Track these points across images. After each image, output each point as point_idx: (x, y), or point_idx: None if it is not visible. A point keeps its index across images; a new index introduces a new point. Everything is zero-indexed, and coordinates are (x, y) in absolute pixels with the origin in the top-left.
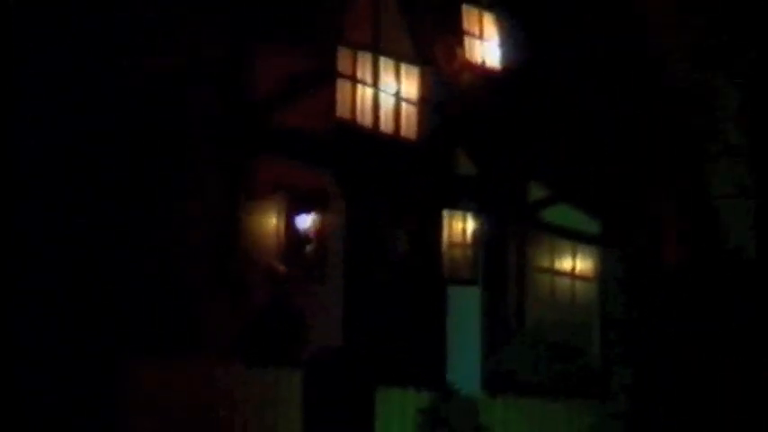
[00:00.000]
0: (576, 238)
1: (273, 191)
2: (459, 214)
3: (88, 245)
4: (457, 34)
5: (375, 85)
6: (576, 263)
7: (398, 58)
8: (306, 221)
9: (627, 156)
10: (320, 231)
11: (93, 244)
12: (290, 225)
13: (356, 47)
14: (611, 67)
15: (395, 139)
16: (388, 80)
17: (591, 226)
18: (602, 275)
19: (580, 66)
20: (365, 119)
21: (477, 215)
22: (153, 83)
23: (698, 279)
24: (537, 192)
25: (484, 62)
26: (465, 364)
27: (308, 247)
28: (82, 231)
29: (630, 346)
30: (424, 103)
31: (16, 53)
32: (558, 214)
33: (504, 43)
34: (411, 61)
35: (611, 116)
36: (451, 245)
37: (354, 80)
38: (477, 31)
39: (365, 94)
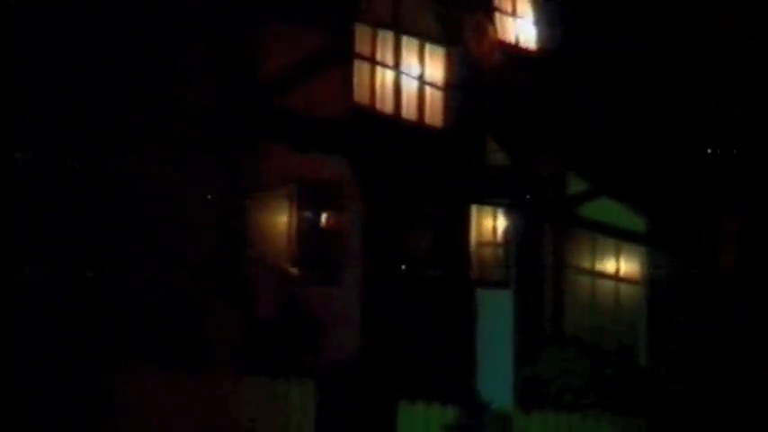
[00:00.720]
0: (620, 237)
1: (283, 183)
2: (489, 210)
3: (84, 251)
4: (487, 11)
5: (396, 67)
6: (620, 263)
7: (422, 37)
8: (319, 218)
9: (691, 155)
10: (335, 228)
11: (88, 250)
12: (301, 222)
13: (376, 25)
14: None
15: (418, 126)
16: (410, 62)
17: (636, 223)
18: (650, 277)
19: (627, 43)
20: (385, 104)
21: (510, 211)
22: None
23: (755, 283)
24: (576, 185)
25: (517, 41)
26: (496, 375)
27: (322, 247)
28: (78, 236)
29: (683, 355)
30: (450, 86)
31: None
32: (600, 210)
33: (539, 20)
34: (436, 41)
35: (667, 102)
36: (481, 244)
37: (374, 62)
38: (509, 8)
39: (385, 76)
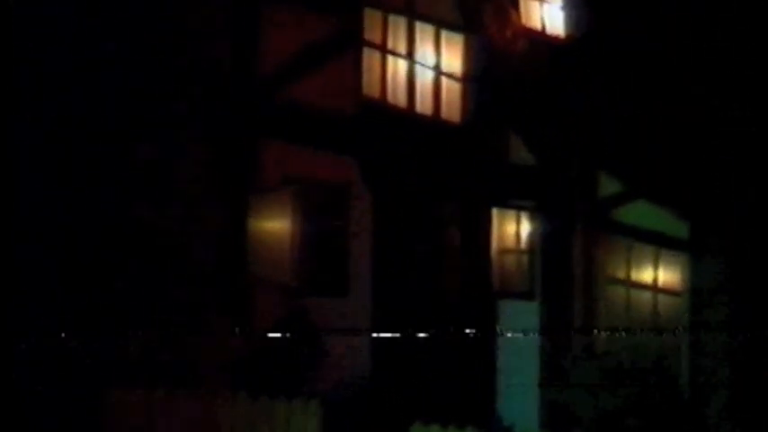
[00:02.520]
0: (659, 243)
1: (283, 184)
2: (512, 213)
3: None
4: None
5: (410, 56)
6: (659, 273)
7: (438, 23)
8: (324, 222)
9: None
10: (342, 234)
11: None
12: (304, 227)
13: (387, 9)
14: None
15: (433, 121)
16: (425, 50)
17: (678, 228)
18: (693, 288)
19: (666, 29)
20: (397, 97)
21: (535, 214)
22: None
23: None
24: (609, 186)
25: (543, 28)
26: (519, 396)
27: (328, 254)
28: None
29: (730, 375)
30: (469, 77)
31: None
32: (636, 213)
33: (568, 4)
34: (454, 27)
35: (715, 92)
36: (503, 250)
37: (384, 50)
38: None
39: (397, 67)
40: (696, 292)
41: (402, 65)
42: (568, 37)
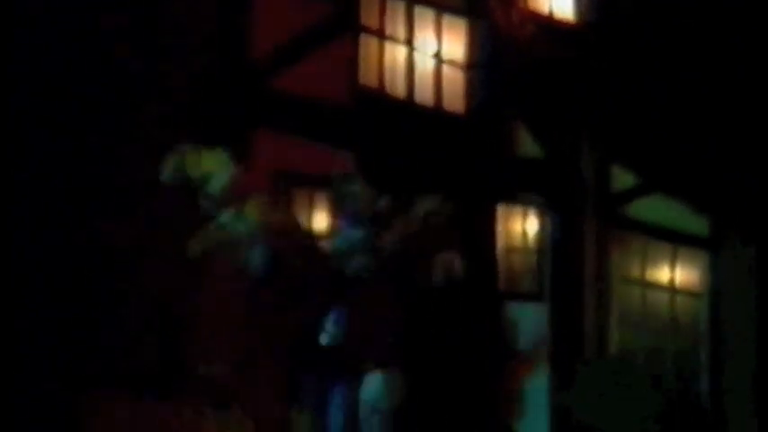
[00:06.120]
0: (677, 240)
1: (274, 180)
2: (518, 210)
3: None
4: None
5: (409, 42)
6: (676, 272)
7: (440, 7)
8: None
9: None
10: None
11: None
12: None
13: None
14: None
15: (435, 112)
16: (426, 36)
17: (697, 224)
18: (713, 289)
19: (683, 11)
20: (396, 86)
21: (543, 210)
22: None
23: None
24: (623, 179)
25: (551, 12)
26: (528, 402)
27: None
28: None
29: (753, 378)
30: (472, 65)
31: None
32: (652, 209)
33: None
34: (456, 11)
35: (734, 81)
36: (509, 249)
37: (382, 36)
38: None
39: (396, 54)
40: (716, 291)
41: (401, 52)
42: (578, 22)
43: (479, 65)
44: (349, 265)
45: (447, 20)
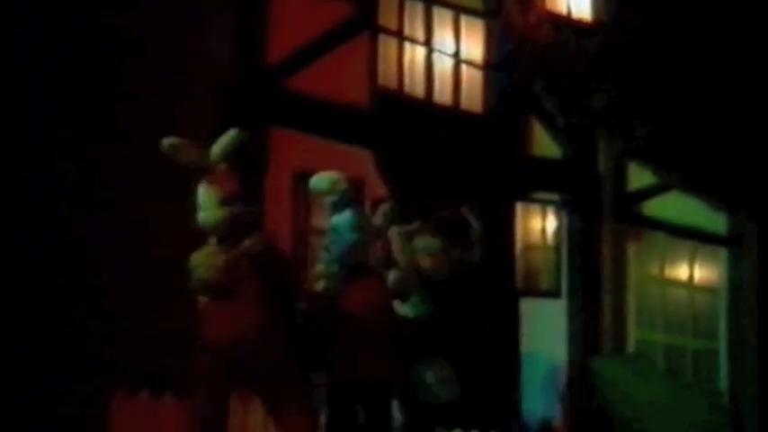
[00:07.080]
0: (696, 238)
1: (292, 181)
2: (537, 208)
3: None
4: None
5: (428, 43)
6: (695, 269)
7: (458, 8)
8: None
9: None
10: None
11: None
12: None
13: None
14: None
15: (453, 111)
16: (444, 37)
17: (716, 222)
18: (732, 286)
19: (701, 10)
20: (415, 87)
21: (562, 208)
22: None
23: None
24: (641, 177)
25: (569, 12)
26: (545, 400)
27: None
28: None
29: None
30: (490, 65)
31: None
32: (670, 207)
33: None
34: (474, 12)
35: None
36: (527, 247)
37: (401, 37)
38: None
39: (415, 54)
40: (735, 289)
41: (420, 52)
42: (596, 21)
43: (497, 65)
44: None
45: (465, 20)
